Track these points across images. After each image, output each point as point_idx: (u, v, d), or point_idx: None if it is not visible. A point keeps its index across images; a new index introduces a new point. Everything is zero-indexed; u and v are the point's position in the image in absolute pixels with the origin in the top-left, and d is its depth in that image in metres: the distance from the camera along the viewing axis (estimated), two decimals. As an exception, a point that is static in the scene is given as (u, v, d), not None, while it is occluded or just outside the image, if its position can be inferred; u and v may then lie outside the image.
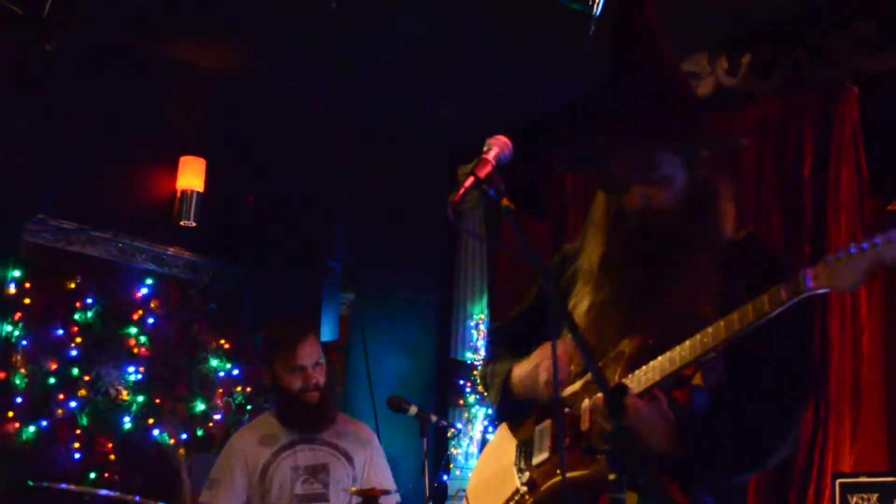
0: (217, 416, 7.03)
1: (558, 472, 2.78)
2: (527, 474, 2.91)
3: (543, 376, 2.87)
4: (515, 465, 2.97)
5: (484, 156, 2.64)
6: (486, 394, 3.20)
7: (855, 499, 4.53)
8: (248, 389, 7.13)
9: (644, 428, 2.62)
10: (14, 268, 6.45)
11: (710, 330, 2.59)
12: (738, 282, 2.66)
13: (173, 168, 7.08)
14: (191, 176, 7.05)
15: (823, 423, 5.51)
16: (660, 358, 2.66)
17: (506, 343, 3.20)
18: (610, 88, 3.00)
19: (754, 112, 6.19)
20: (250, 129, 7.25)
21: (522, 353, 3.06)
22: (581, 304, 2.90)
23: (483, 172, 2.59)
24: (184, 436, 6.87)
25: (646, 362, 2.69)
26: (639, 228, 2.84)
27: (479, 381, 3.72)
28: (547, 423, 2.92)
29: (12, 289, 6.42)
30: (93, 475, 6.48)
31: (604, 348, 2.79)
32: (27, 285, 6.49)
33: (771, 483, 5.64)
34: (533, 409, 3.00)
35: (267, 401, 6.70)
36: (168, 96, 7.10)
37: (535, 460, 2.91)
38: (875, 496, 4.47)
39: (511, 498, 2.91)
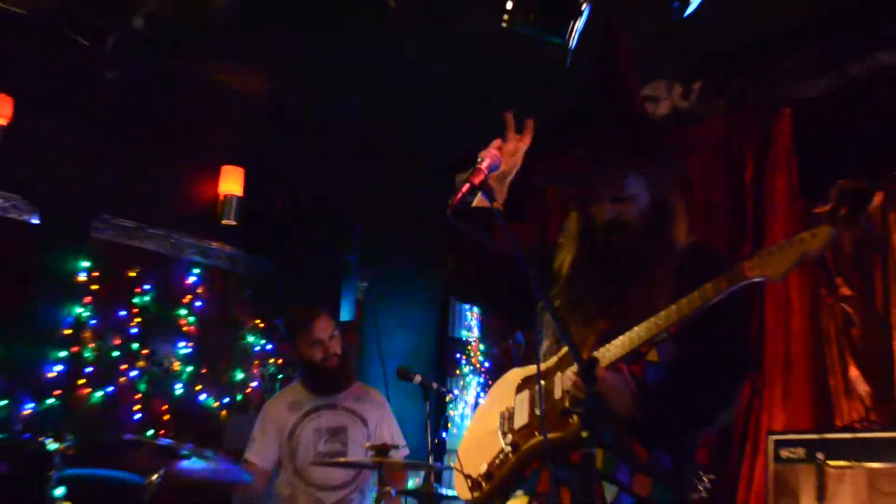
0: (253, 384, 7.10)
1: (537, 434, 2.83)
2: (510, 437, 2.94)
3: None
4: (500, 429, 3.00)
5: (478, 166, 2.74)
6: None
7: (785, 452, 4.56)
8: (279, 361, 7.19)
9: (610, 394, 2.66)
10: (84, 260, 6.50)
11: (663, 314, 2.65)
12: (687, 281, 2.69)
13: (216, 175, 7.13)
14: (231, 182, 7.09)
15: (759, 390, 5.56)
16: (621, 337, 2.72)
17: None
18: (590, 122, 3.06)
19: (704, 130, 6.22)
20: (283, 143, 7.28)
21: None
22: (553, 301, 2.90)
23: (477, 180, 2.69)
24: (226, 399, 6.94)
25: (609, 342, 2.75)
26: (607, 238, 2.89)
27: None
28: (525, 394, 2.97)
29: (83, 277, 6.47)
30: (150, 432, 6.54)
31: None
32: (95, 274, 6.54)
33: (715, 440, 5.69)
34: None
35: (295, 371, 6.77)
36: (212, 114, 7.11)
37: (517, 425, 2.94)
38: (802, 450, 4.50)
39: (496, 457, 2.95)
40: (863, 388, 5.46)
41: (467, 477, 3.01)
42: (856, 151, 5.63)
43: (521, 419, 2.94)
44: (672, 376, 2.77)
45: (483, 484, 2.95)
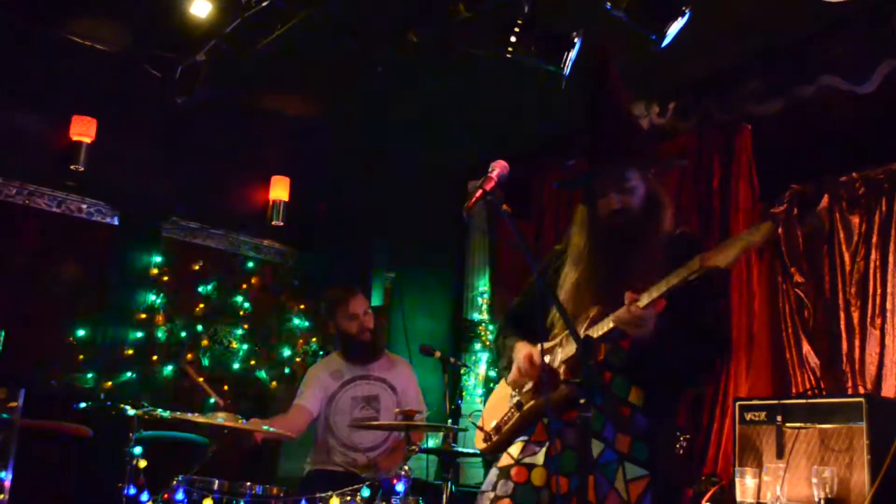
0: (298, 359, 7.07)
1: (535, 397, 2.86)
2: (516, 398, 2.96)
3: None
4: (511, 393, 3.02)
5: (489, 174, 2.70)
6: (497, 357, 3.23)
7: (749, 415, 4.54)
8: (320, 339, 7.18)
9: (647, 321, 2.62)
10: (156, 255, 6.52)
11: (644, 295, 2.62)
12: (673, 263, 2.64)
13: (267, 184, 7.10)
14: (280, 190, 7.07)
15: (727, 362, 5.52)
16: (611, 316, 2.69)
17: (511, 324, 3.20)
18: (591, 130, 3.01)
19: (678, 143, 6.16)
20: (322, 156, 7.26)
21: (522, 329, 3.10)
22: (568, 280, 2.92)
23: (489, 186, 2.66)
24: (276, 372, 6.93)
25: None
26: (613, 225, 2.87)
27: (493, 347, 3.85)
28: None
29: (155, 270, 6.48)
30: (212, 401, 6.52)
31: (580, 311, 2.81)
32: (165, 268, 6.57)
33: (689, 405, 5.66)
34: None
35: (332, 345, 6.78)
36: (263, 133, 7.11)
37: (524, 389, 2.94)
38: (763, 414, 4.48)
39: (506, 413, 2.99)
40: (813, 360, 5.42)
41: (481, 429, 3.06)
42: (806, 160, 5.60)
43: (528, 385, 2.93)
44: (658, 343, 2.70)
45: (493, 436, 3.01)
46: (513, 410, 2.95)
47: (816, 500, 4.07)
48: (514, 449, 2.88)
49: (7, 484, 4.61)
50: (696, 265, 2.53)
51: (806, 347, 5.47)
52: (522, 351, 2.94)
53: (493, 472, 2.92)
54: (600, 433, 2.70)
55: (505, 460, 2.89)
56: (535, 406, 2.85)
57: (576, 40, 4.93)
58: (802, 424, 4.28)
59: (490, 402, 3.20)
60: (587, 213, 2.99)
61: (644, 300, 2.60)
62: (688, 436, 4.98)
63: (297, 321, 7.10)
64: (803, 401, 4.41)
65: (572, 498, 2.55)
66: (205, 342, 6.62)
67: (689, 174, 6.07)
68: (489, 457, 3.10)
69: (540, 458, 2.78)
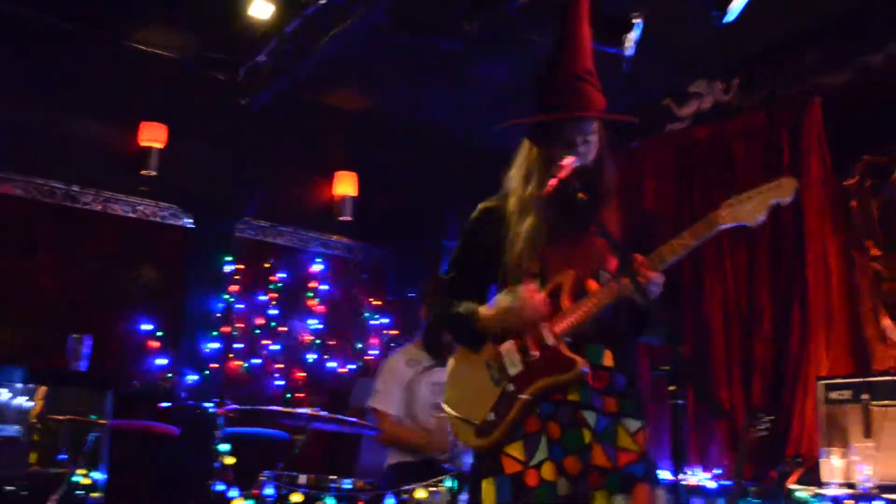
0: (372, 352, 7.07)
1: (534, 378, 2.63)
2: (510, 385, 2.68)
3: (528, 313, 2.65)
4: (492, 378, 2.72)
5: (562, 162, 2.61)
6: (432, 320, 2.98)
7: (834, 394, 4.43)
8: (394, 332, 7.16)
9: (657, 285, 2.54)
10: (229, 255, 6.56)
11: (653, 256, 2.51)
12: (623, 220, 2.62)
13: (333, 180, 7.11)
14: (346, 185, 7.07)
15: (806, 341, 5.39)
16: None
17: (454, 293, 2.92)
18: (554, 72, 2.87)
19: (744, 121, 6.00)
20: (389, 150, 7.22)
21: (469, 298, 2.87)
22: (520, 234, 2.74)
23: (564, 174, 2.59)
24: (350, 366, 6.94)
25: (580, 290, 2.61)
26: (573, 175, 2.63)
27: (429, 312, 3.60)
28: (508, 344, 2.72)
29: (228, 269, 6.52)
30: (289, 395, 6.58)
31: (548, 276, 2.68)
32: (238, 266, 6.62)
33: (768, 386, 5.53)
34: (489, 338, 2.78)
35: (403, 340, 6.78)
36: (328, 131, 7.11)
37: (512, 372, 2.69)
38: (849, 392, 4.37)
39: (499, 403, 2.68)
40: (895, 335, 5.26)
41: (467, 422, 2.73)
42: (877, 130, 5.45)
43: (514, 367, 2.68)
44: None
45: (492, 429, 2.68)
46: (511, 398, 2.66)
47: (909, 478, 3.95)
48: (516, 451, 2.63)
49: (101, 483, 4.68)
50: (715, 222, 2.45)
51: (886, 322, 5.30)
52: (530, 297, 2.65)
53: (503, 479, 2.62)
54: (590, 402, 2.57)
55: (511, 466, 2.63)
56: (538, 389, 2.62)
57: (635, 22, 4.84)
58: (890, 402, 4.16)
59: (456, 392, 2.85)
60: (539, 153, 2.81)
61: (660, 263, 2.50)
62: (772, 416, 4.85)
63: (367, 314, 7.10)
64: (891, 378, 4.28)
65: (589, 473, 2.50)
66: (279, 338, 6.65)
67: (758, 152, 5.91)
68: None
69: (543, 452, 2.59)
